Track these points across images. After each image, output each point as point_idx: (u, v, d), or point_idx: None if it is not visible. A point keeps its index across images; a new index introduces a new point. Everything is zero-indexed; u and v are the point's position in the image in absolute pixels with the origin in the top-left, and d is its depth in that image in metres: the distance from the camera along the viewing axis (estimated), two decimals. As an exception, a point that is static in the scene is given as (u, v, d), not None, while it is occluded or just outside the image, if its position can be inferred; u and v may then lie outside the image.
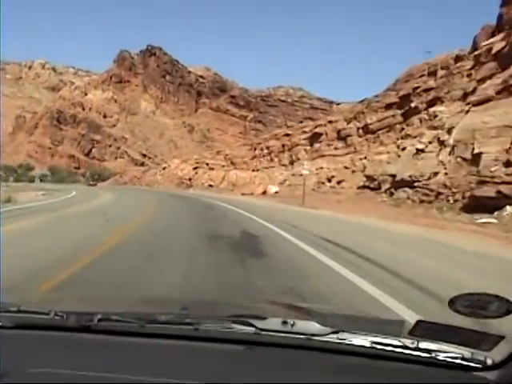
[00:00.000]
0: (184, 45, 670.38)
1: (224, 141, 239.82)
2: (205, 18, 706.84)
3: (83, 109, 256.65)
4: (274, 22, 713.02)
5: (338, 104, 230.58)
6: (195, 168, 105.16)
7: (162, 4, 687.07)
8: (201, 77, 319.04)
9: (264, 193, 63.15)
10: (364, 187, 45.61)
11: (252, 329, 1.96)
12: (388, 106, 59.10)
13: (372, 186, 43.67)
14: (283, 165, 78.06)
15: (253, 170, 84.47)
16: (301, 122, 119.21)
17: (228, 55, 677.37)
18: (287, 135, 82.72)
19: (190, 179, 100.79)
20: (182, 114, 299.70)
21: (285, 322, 1.98)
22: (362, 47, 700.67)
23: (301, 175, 65.58)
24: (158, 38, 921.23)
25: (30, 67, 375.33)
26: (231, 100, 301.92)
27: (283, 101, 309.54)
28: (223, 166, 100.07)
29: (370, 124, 59.75)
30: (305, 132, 76.39)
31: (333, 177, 56.22)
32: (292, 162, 75.01)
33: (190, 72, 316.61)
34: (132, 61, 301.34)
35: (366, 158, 52.90)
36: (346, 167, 55.10)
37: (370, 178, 44.79)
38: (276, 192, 62.21)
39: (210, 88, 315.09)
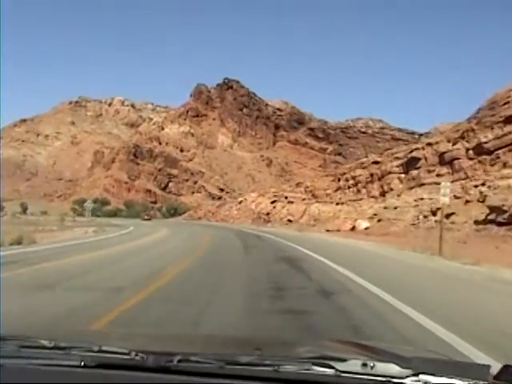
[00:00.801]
0: (260, 78, 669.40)
1: (303, 174, 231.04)
2: (280, 51, 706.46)
3: (160, 143, 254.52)
4: (348, 55, 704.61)
5: (421, 135, 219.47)
6: (273, 202, 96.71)
7: (238, 38, 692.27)
8: (278, 109, 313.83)
9: (353, 229, 53.54)
10: (487, 221, 35.29)
11: (332, 371, 1.95)
12: (508, 120, 48.33)
13: (500, 219, 33.31)
14: (372, 196, 68.28)
15: (337, 203, 75.18)
16: (381, 154, 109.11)
17: (304, 87, 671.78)
18: (376, 163, 72.92)
19: (267, 214, 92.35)
20: (259, 147, 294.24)
21: (364, 364, 1.97)
22: (441, 77, 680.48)
23: (396, 208, 56.30)
24: (234, 72, 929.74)
25: (109, 104, 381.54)
26: (310, 132, 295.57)
27: (363, 132, 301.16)
28: (303, 199, 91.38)
29: (485, 143, 49.16)
30: (397, 158, 66.38)
31: (438, 209, 45.94)
32: (383, 193, 65.10)
33: (267, 105, 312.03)
34: (209, 94, 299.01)
35: (484, 184, 42.48)
36: (456, 197, 44.73)
37: (495, 209, 34.45)
38: (366, 228, 52.67)
39: (288, 121, 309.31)
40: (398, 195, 58.27)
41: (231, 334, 6.36)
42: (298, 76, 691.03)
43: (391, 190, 63.01)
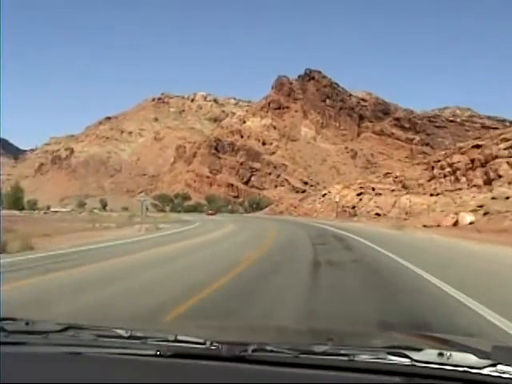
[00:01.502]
0: (342, 69, 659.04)
1: (389, 166, 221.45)
2: (361, 40, 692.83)
3: (241, 136, 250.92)
4: (433, 44, 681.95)
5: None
6: (359, 194, 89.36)
7: (318, 29, 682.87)
8: (362, 100, 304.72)
9: (455, 224, 45.67)
10: None
11: (407, 360, 1.92)
12: None
13: None
14: (475, 185, 59.74)
15: (431, 195, 67.17)
16: (477, 138, 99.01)
17: (387, 76, 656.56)
18: (477, 147, 64.09)
19: (353, 207, 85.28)
20: (343, 139, 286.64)
21: (440, 354, 1.93)
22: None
23: (507, 198, 48.01)
24: (316, 62, 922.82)
25: (192, 100, 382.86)
26: (395, 123, 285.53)
27: (451, 121, 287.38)
28: (392, 190, 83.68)
29: None
30: (505, 139, 57.38)
31: None
32: (489, 181, 56.48)
33: (350, 95, 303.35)
34: (290, 86, 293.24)
35: None
36: None
37: None
38: (471, 222, 44.66)
39: (373, 111, 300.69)
40: (510, 183, 49.89)
41: (303, 325, 6.67)
42: (380, 65, 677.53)
43: (499, 177, 54.38)
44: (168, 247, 22.97)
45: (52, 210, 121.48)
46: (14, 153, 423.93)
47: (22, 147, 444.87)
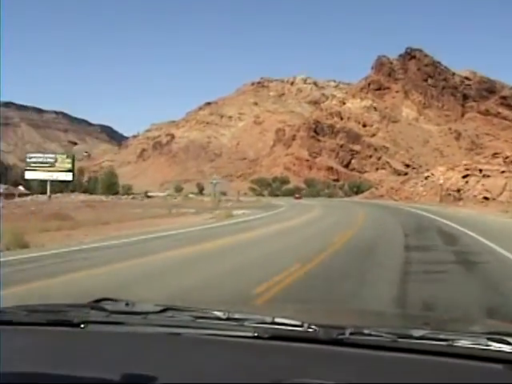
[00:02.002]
0: (444, 46, 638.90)
1: (496, 147, 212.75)
2: (462, 15, 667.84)
3: (341, 118, 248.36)
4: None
5: None
6: (465, 176, 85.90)
7: (419, 6, 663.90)
8: (466, 78, 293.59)
9: None
10: None
11: (509, 347, 1.87)
12: None
13: None
14: None
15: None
16: None
17: (492, 53, 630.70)
18: None
19: (458, 190, 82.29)
20: (447, 119, 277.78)
21: None
22: None
23: None
24: (417, 40, 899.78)
25: (292, 83, 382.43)
26: (502, 101, 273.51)
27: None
28: (503, 171, 79.82)
29: None
30: None
31: None
32: None
33: (453, 74, 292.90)
34: (391, 66, 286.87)
35: None
36: None
37: None
38: None
39: (477, 90, 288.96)
40: None
41: (399, 310, 7.02)
42: (483, 43, 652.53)
43: None
44: (203, 245, 17.87)
45: (149, 194, 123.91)
46: (119, 139, 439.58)
47: (125, 134, 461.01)
